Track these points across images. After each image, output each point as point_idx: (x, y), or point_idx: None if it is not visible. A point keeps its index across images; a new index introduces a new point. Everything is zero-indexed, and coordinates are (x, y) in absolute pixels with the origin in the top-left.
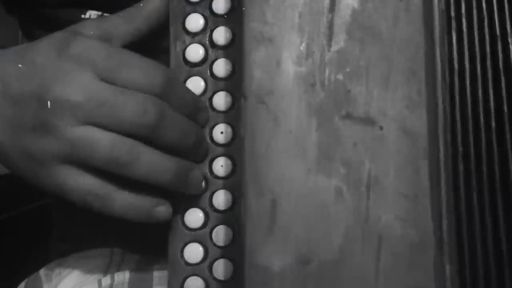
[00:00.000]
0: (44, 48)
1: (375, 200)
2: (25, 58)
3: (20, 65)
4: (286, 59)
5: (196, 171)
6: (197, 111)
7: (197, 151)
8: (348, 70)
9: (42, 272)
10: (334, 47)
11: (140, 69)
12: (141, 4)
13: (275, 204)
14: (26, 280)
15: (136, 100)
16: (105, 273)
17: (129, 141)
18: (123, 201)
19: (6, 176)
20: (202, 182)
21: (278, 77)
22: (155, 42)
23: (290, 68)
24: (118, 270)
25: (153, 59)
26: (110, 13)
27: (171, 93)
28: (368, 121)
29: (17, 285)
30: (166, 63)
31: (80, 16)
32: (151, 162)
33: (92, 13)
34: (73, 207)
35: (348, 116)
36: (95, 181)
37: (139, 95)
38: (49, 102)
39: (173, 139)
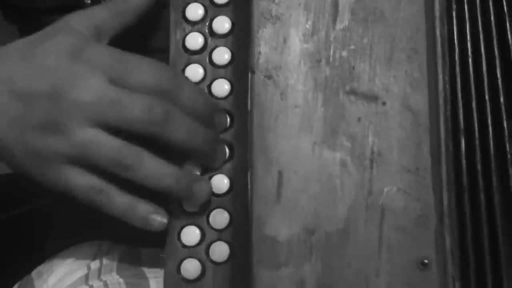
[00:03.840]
0: (54, 50)
1: (378, 173)
2: (34, 59)
3: (27, 65)
4: (293, 36)
5: (204, 183)
6: (210, 114)
7: (207, 154)
8: (352, 47)
9: (33, 272)
10: (339, 26)
11: (148, 72)
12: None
13: (281, 176)
14: (18, 282)
15: (143, 100)
16: (93, 258)
17: (134, 147)
18: (122, 201)
19: (3, 176)
20: (207, 194)
21: (285, 53)
22: (149, 42)
23: (296, 45)
24: (106, 255)
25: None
26: None
27: (179, 95)
28: (371, 97)
29: (11, 286)
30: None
31: None
32: (154, 167)
33: None
34: (71, 208)
35: (353, 92)
36: (97, 179)
37: (145, 96)
38: (62, 103)
39: (178, 139)
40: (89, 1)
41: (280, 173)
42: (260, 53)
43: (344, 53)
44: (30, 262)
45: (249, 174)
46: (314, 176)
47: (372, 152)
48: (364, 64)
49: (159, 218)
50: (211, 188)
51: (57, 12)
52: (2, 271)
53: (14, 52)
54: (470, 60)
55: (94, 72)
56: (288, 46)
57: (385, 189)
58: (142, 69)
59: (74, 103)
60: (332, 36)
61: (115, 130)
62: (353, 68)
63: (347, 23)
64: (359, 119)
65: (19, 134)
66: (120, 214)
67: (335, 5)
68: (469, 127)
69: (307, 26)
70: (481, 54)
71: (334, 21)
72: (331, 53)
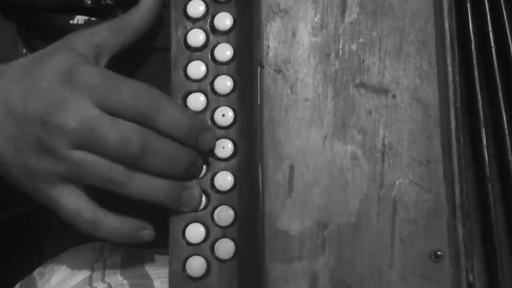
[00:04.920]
0: (49, 72)
1: (390, 165)
2: (30, 80)
3: (23, 86)
4: (301, 29)
5: (192, 190)
6: (193, 133)
7: (184, 176)
8: (361, 40)
9: (35, 272)
10: (348, 19)
11: (128, 95)
12: (127, 16)
13: (293, 170)
14: (20, 282)
15: (119, 130)
16: (96, 259)
17: (121, 166)
18: (109, 225)
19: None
20: (198, 200)
21: (294, 47)
22: (149, 42)
23: (305, 38)
24: (109, 256)
25: (148, 58)
26: (97, 18)
27: (158, 117)
28: (381, 90)
29: (12, 286)
30: (161, 61)
31: (69, 21)
32: (144, 184)
33: (79, 18)
34: None
35: (363, 85)
36: (86, 204)
37: (124, 124)
38: (50, 126)
39: (159, 167)
40: (89, 2)
41: (291, 167)
42: (269, 47)
43: (353, 46)
44: (30, 262)
45: (259, 168)
46: (325, 169)
47: (383, 145)
48: (373, 57)
49: (146, 233)
50: (201, 193)
51: (55, 11)
52: (2, 271)
53: (13, 72)
54: (475, 52)
55: (80, 96)
56: (297, 39)
57: (397, 182)
58: (123, 92)
59: (60, 128)
60: (341, 29)
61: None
62: (363, 61)
63: (355, 16)
64: (370, 112)
65: (15, 152)
66: (107, 238)
67: None
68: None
69: (316, 19)
70: (490, 45)
71: (343, 14)
72: (340, 46)
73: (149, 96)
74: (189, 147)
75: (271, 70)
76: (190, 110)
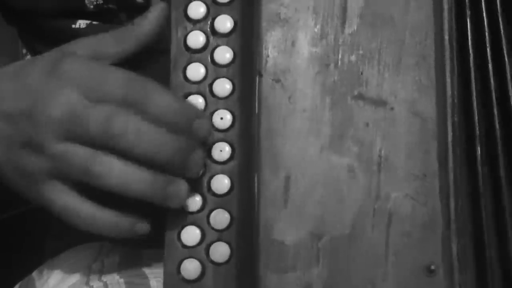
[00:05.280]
0: (37, 69)
1: (386, 178)
2: (19, 77)
3: (14, 85)
4: (301, 39)
5: (178, 184)
6: (186, 121)
7: (178, 165)
8: (360, 52)
9: (34, 273)
10: (348, 30)
11: (115, 83)
12: (133, 25)
13: (289, 180)
14: (19, 283)
15: (101, 112)
16: (95, 259)
17: (103, 155)
18: (105, 221)
19: None
20: (183, 197)
21: (293, 56)
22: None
23: (305, 48)
24: (107, 256)
25: (150, 61)
26: (99, 22)
27: (147, 104)
28: (379, 102)
29: (12, 286)
30: (161, 62)
31: (71, 25)
32: (124, 173)
33: (81, 22)
34: None
35: (361, 97)
36: (76, 199)
37: (107, 106)
38: (37, 120)
39: (142, 150)
40: (91, 6)
41: (287, 178)
42: (268, 56)
43: (353, 58)
44: (30, 262)
45: (255, 178)
46: (321, 180)
47: (380, 157)
48: (372, 69)
49: (142, 226)
50: (186, 188)
51: (57, 15)
52: (2, 271)
53: (6, 73)
54: (473, 65)
55: (66, 86)
56: (297, 49)
57: (392, 195)
58: (110, 81)
59: (46, 120)
60: (341, 40)
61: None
62: (361, 73)
63: (355, 27)
64: (367, 124)
65: (6, 152)
66: (104, 234)
67: (344, 9)
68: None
69: (316, 29)
70: (487, 59)
71: (343, 25)
72: (340, 57)
73: (138, 83)
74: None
75: (270, 80)
76: (182, 98)
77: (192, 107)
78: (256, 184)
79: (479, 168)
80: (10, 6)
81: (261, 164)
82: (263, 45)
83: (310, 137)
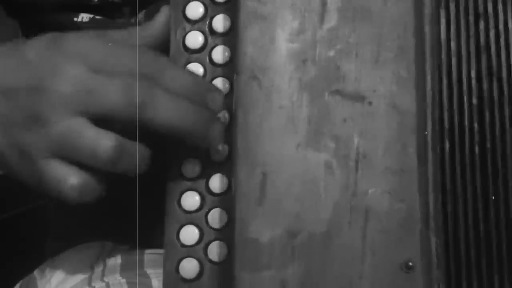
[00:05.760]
0: (36, 44)
1: (363, 174)
2: (16, 53)
3: (10, 60)
4: (279, 36)
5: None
6: (201, 92)
7: (202, 135)
8: (338, 47)
9: (36, 271)
10: (326, 25)
11: (127, 57)
12: (142, 29)
13: (265, 178)
14: (20, 282)
15: (119, 82)
16: (96, 259)
17: (114, 138)
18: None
19: (3, 176)
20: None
21: (271, 53)
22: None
23: (282, 45)
24: (109, 256)
25: None
26: (102, 16)
27: (162, 75)
28: (357, 97)
29: (12, 286)
30: None
31: (73, 18)
32: (135, 160)
33: (84, 16)
34: (71, 208)
35: (338, 92)
36: (84, 175)
37: (123, 79)
38: (41, 95)
39: (165, 120)
40: (95, 0)
41: (264, 175)
42: (245, 53)
43: (331, 53)
44: (30, 262)
45: (233, 176)
46: (298, 177)
47: (357, 153)
48: (350, 64)
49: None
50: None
51: (60, 9)
52: (2, 271)
53: (2, 51)
54: (455, 59)
55: (71, 60)
56: (275, 46)
57: (370, 191)
58: (121, 55)
59: (52, 94)
60: (319, 35)
61: (99, 119)
62: (339, 68)
63: (334, 22)
64: (345, 119)
65: (3, 131)
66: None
67: (323, 4)
68: (453, 129)
69: (294, 25)
70: (469, 53)
71: (322, 20)
72: (317, 52)
73: (150, 56)
74: None
75: (247, 78)
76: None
77: (204, 80)
78: (233, 182)
79: (458, 163)
80: (13, 0)
81: (237, 161)
82: (241, 43)
83: (287, 134)
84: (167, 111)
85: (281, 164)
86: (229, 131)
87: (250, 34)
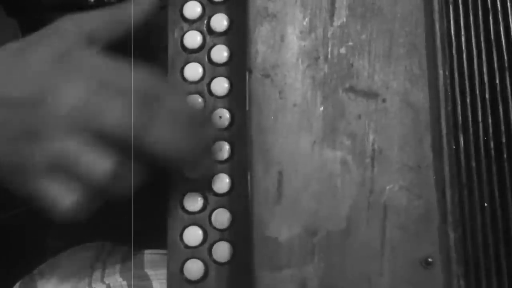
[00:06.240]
0: (40, 56)
1: (380, 171)
2: (20, 64)
3: (13, 70)
4: (290, 34)
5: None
6: (196, 122)
7: (195, 164)
8: (350, 44)
9: (36, 271)
10: (337, 22)
11: (129, 78)
12: (124, 7)
13: (282, 176)
14: (20, 281)
15: (122, 103)
16: (96, 259)
17: (111, 161)
18: None
19: None
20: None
21: (282, 51)
22: (153, 40)
23: (294, 42)
24: (109, 257)
25: (152, 58)
26: None
27: (163, 101)
28: (371, 94)
29: (12, 286)
30: (164, 61)
31: None
32: (130, 182)
33: None
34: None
35: (352, 89)
36: (78, 196)
37: (124, 100)
38: (43, 110)
39: (161, 144)
40: (93, 0)
41: (280, 173)
42: (257, 52)
43: (342, 50)
44: (30, 262)
45: (248, 175)
46: (315, 175)
47: (373, 150)
48: (362, 61)
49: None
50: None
51: (59, 9)
52: (2, 271)
53: (3, 57)
54: (465, 55)
55: (76, 78)
56: (286, 44)
57: (387, 187)
58: (125, 75)
59: (53, 112)
60: (330, 33)
61: (98, 139)
62: (352, 65)
63: (344, 19)
64: (359, 116)
65: (2, 140)
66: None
67: (332, 1)
68: (467, 124)
69: (304, 23)
70: (480, 48)
71: (332, 17)
72: (329, 50)
73: (154, 79)
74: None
75: (259, 75)
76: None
77: (201, 111)
78: (249, 182)
79: (473, 158)
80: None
81: (253, 161)
82: (252, 41)
83: (301, 132)
84: (166, 138)
85: (297, 162)
86: (229, 129)
87: (261, 32)
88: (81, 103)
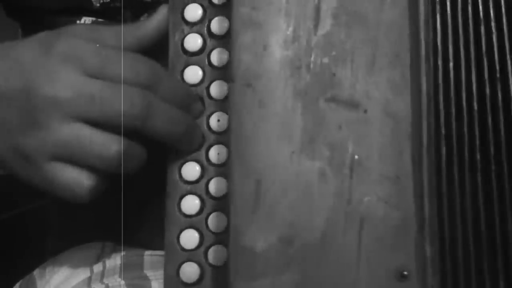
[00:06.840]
0: (29, 46)
1: (358, 181)
2: (9, 55)
3: (3, 63)
4: (273, 43)
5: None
6: (190, 102)
7: (189, 140)
8: (333, 53)
9: (36, 271)
10: (321, 31)
11: (125, 64)
12: (139, 25)
13: (259, 185)
14: (20, 281)
15: (124, 93)
16: (96, 260)
17: (122, 142)
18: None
19: (3, 176)
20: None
21: (265, 60)
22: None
23: (276, 51)
24: (109, 257)
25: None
26: (104, 19)
27: (158, 85)
28: (352, 104)
29: (12, 286)
30: (163, 62)
31: (75, 21)
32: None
33: (86, 19)
34: (71, 208)
35: (333, 99)
36: (94, 177)
37: (125, 88)
38: (39, 100)
39: (162, 128)
40: (98, 4)
41: (258, 182)
42: (240, 60)
43: (325, 60)
44: (30, 262)
45: (228, 183)
46: (292, 185)
47: (352, 161)
48: (345, 71)
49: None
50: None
51: (62, 12)
52: (2, 271)
53: None
54: (452, 64)
55: (68, 65)
56: (268, 53)
57: (365, 198)
58: (119, 61)
59: (51, 99)
60: (313, 42)
61: (97, 125)
62: (334, 74)
63: (329, 28)
64: (340, 127)
65: (2, 135)
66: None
67: (317, 10)
68: (450, 134)
69: (288, 32)
70: (469, 58)
71: (316, 26)
72: (312, 59)
73: (149, 64)
74: None
75: (241, 84)
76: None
77: (190, 89)
78: (227, 190)
79: (456, 169)
80: (15, 2)
81: (231, 169)
82: (235, 50)
83: (281, 141)
84: (165, 121)
85: (275, 172)
86: (228, 133)
87: (244, 41)
88: (77, 89)
